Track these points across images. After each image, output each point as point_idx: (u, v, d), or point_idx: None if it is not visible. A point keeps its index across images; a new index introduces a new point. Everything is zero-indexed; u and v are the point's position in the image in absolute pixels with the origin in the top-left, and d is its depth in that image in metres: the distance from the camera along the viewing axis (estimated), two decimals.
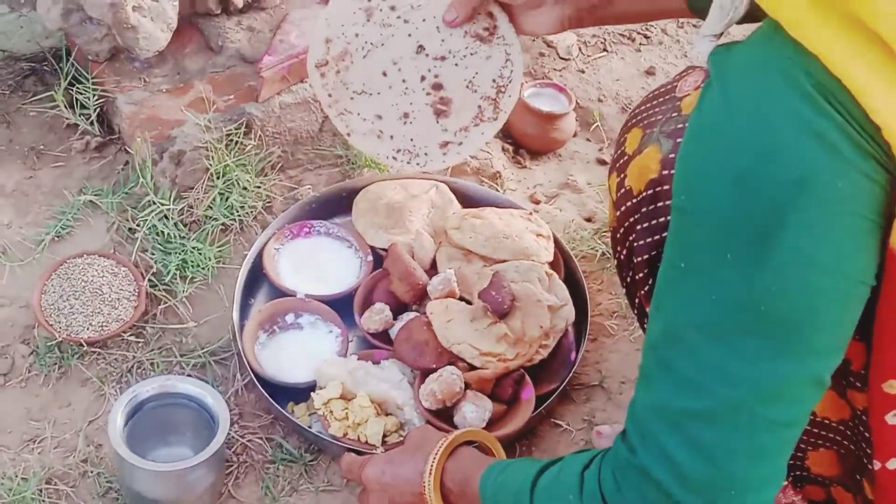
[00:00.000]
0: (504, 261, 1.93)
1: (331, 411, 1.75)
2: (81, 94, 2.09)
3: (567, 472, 1.23)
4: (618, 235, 1.46)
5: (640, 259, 1.39)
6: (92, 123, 2.12)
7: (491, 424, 1.76)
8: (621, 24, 2.40)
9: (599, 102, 2.41)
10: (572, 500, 1.19)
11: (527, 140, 2.26)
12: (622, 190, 1.44)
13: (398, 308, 1.90)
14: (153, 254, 1.98)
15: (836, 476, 1.36)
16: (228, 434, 1.66)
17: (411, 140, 1.68)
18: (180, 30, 2.07)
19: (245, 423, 1.81)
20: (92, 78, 2.09)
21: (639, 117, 1.49)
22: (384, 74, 1.66)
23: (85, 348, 1.85)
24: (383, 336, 1.88)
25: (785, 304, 1.04)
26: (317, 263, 1.99)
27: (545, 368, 1.86)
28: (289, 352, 1.87)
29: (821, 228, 1.01)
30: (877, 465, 1.22)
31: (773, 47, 1.02)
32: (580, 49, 2.49)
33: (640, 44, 2.54)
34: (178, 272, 1.96)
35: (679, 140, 1.29)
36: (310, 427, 1.77)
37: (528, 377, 1.82)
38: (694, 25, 2.60)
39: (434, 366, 1.78)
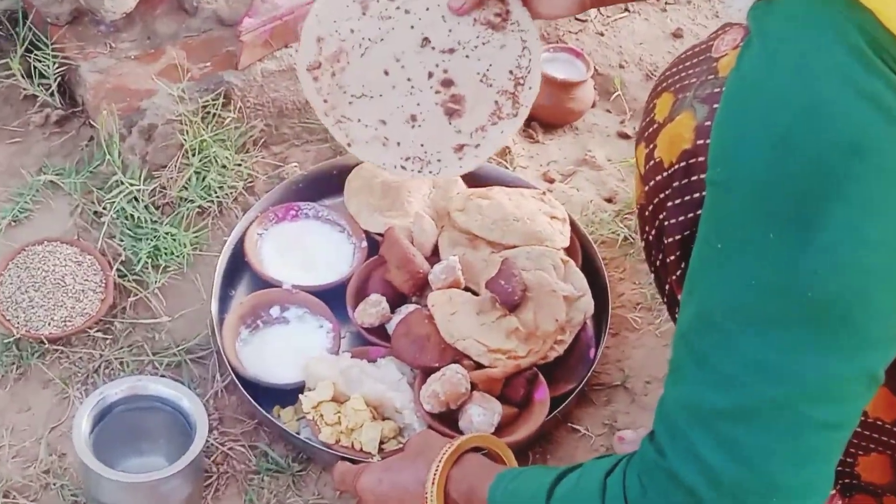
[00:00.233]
0: (514, 246, 1.93)
1: (321, 415, 1.75)
2: (40, 61, 2.09)
3: (588, 478, 1.23)
4: (646, 213, 1.46)
5: (671, 240, 1.39)
6: (52, 94, 2.12)
7: (500, 429, 1.76)
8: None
9: (621, 69, 2.41)
10: None
11: (540, 112, 2.25)
12: (651, 162, 1.44)
13: (396, 300, 1.90)
14: (122, 240, 1.98)
15: (888, 484, 1.36)
16: (207, 441, 1.66)
17: (421, 145, 1.67)
18: None
19: (225, 429, 1.81)
20: (52, 44, 2.09)
21: (670, 81, 1.49)
22: (386, 73, 1.65)
23: (46, 346, 1.85)
24: (379, 331, 1.88)
25: (834, 287, 1.03)
26: (305, 250, 1.99)
27: (561, 367, 1.85)
28: (274, 349, 1.87)
29: (876, 202, 1.01)
30: None
31: (821, 0, 1.01)
32: (599, 9, 2.48)
33: (667, 2, 2.54)
34: (149, 260, 1.96)
35: (716, 106, 1.29)
36: (298, 433, 1.77)
37: (541, 376, 1.82)
38: None
39: (436, 364, 1.78)
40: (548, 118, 2.28)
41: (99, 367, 1.85)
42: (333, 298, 1.91)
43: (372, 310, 1.87)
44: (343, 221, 2.01)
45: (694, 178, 1.36)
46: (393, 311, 1.89)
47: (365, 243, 1.98)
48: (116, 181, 2.01)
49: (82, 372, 1.84)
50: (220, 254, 1.94)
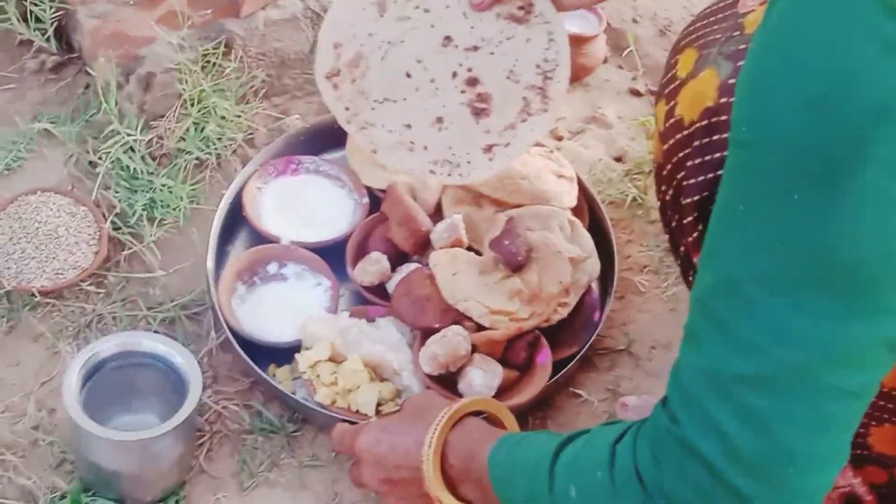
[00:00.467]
0: (520, 205, 1.92)
1: (318, 375, 1.74)
2: (36, 5, 2.07)
3: (595, 444, 1.22)
4: (664, 172, 1.45)
5: (689, 200, 1.39)
6: (48, 40, 2.10)
7: (501, 393, 1.75)
8: None
9: (634, 23, 2.39)
10: (601, 477, 1.18)
11: None
12: (672, 119, 1.43)
13: (397, 258, 1.89)
14: (117, 192, 1.97)
15: None
16: (200, 400, 1.65)
17: (449, 148, 1.64)
18: None
19: (220, 388, 1.81)
20: None
21: (693, 36, 1.48)
22: (408, 76, 1.63)
23: (37, 299, 1.85)
24: (379, 290, 1.87)
25: (859, 251, 1.02)
26: (304, 205, 1.98)
27: (564, 330, 1.84)
28: (271, 306, 1.86)
29: None
30: None
31: None
32: None
33: None
34: (145, 213, 1.95)
35: (741, 63, 1.28)
36: (293, 393, 1.76)
37: (544, 339, 1.81)
38: None
39: (437, 325, 1.77)
40: None
41: (91, 321, 1.84)
42: (333, 255, 1.90)
43: (372, 268, 1.86)
44: (344, 176, 2.00)
45: (716, 137, 1.36)
46: (393, 269, 1.87)
47: (366, 199, 1.97)
48: (113, 131, 1.99)
49: (74, 326, 1.84)
50: (217, 208, 1.93)
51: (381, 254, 1.87)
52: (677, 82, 1.45)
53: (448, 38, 1.62)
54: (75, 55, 2.12)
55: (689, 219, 1.41)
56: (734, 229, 1.09)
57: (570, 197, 1.96)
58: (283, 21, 2.10)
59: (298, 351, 1.78)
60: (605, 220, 1.97)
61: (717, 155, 1.35)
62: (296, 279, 1.89)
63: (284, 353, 1.80)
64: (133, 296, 1.88)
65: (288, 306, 1.85)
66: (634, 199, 2.07)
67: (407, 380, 1.77)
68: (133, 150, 1.99)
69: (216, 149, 2.03)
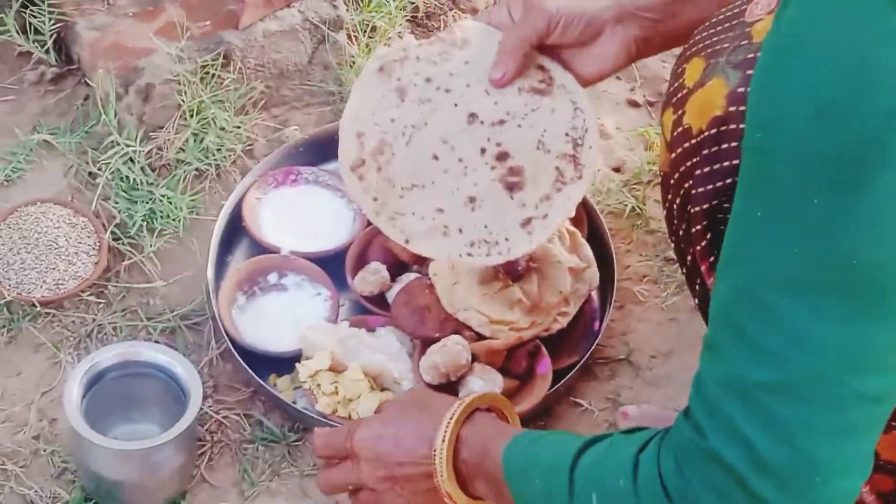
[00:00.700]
0: None
1: (318, 385, 1.74)
2: (35, 17, 2.07)
3: (618, 452, 1.21)
4: (671, 181, 1.44)
5: (697, 209, 1.38)
6: (48, 51, 2.10)
7: None
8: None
9: None
10: (623, 485, 1.18)
11: None
12: (679, 128, 1.42)
13: (396, 268, 1.89)
14: (117, 202, 1.97)
15: None
16: (201, 409, 1.66)
17: (485, 227, 1.58)
18: None
19: (220, 397, 1.81)
20: None
21: (701, 45, 1.47)
22: (435, 158, 1.59)
23: (38, 309, 1.85)
24: (379, 300, 1.87)
25: (879, 256, 1.02)
26: (304, 215, 1.98)
27: (564, 339, 1.85)
28: (271, 316, 1.86)
29: None
30: None
31: None
32: None
33: None
34: (144, 224, 1.95)
35: (749, 72, 1.28)
36: (294, 403, 1.77)
37: (544, 349, 1.81)
38: None
39: (437, 335, 1.77)
40: None
41: (91, 331, 1.85)
42: (332, 266, 1.90)
43: (371, 278, 1.86)
44: (343, 187, 2.00)
45: (724, 145, 1.35)
46: (393, 279, 1.88)
47: None
48: (112, 142, 1.99)
49: (74, 336, 1.84)
50: (217, 218, 1.93)
51: (380, 264, 1.87)
52: (685, 91, 1.44)
53: (473, 115, 1.59)
54: (75, 67, 2.12)
55: (698, 227, 1.40)
56: (752, 236, 1.09)
57: None
58: (282, 32, 2.10)
59: (299, 361, 1.78)
60: (605, 230, 1.97)
61: (726, 163, 1.34)
62: (296, 289, 1.90)
63: (285, 363, 1.80)
64: (133, 306, 1.88)
65: (288, 316, 1.85)
66: (633, 210, 2.07)
67: (407, 389, 1.77)
68: (133, 161, 1.99)
69: (215, 159, 2.03)
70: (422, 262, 1.89)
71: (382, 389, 1.77)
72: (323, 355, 1.76)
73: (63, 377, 1.78)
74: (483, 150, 1.59)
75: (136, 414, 1.72)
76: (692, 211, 1.40)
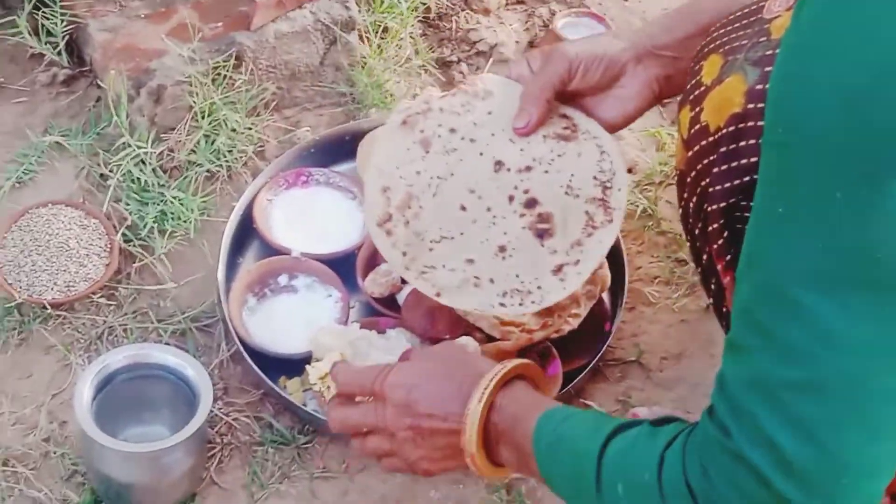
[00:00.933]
0: None
1: (328, 387, 1.73)
2: (48, 19, 2.08)
3: (645, 445, 1.20)
4: (687, 179, 1.43)
5: (714, 207, 1.37)
6: (60, 53, 2.11)
7: None
8: None
9: None
10: (648, 479, 1.17)
11: None
12: (697, 126, 1.41)
13: None
14: (128, 204, 1.97)
15: None
16: (211, 411, 1.66)
17: (517, 276, 1.56)
18: None
19: (230, 399, 1.81)
20: (60, 1, 2.07)
21: (718, 42, 1.46)
22: (463, 209, 1.58)
23: (49, 311, 1.85)
24: (389, 301, 1.88)
25: None
26: (315, 217, 1.98)
27: (575, 341, 1.84)
28: (281, 318, 1.87)
29: None
30: None
31: None
32: None
33: None
34: (155, 225, 1.95)
35: (768, 69, 1.27)
36: (304, 405, 1.77)
37: (554, 351, 1.81)
38: None
39: (447, 336, 1.77)
40: None
41: (102, 333, 1.85)
42: (343, 267, 1.90)
43: (382, 279, 1.86)
44: (355, 188, 2.00)
45: (742, 143, 1.34)
46: (403, 281, 1.88)
47: None
48: (123, 143, 2.00)
49: (85, 338, 1.85)
50: (227, 220, 1.94)
51: None
52: (702, 88, 1.43)
53: (499, 163, 1.58)
54: (86, 68, 2.12)
55: (715, 226, 1.40)
56: (775, 233, 1.08)
57: None
58: (294, 34, 2.10)
59: (309, 362, 1.76)
60: None
61: (744, 161, 1.34)
62: (306, 291, 1.90)
63: (295, 365, 1.80)
64: (144, 308, 1.88)
65: (298, 318, 1.86)
66: (645, 210, 2.07)
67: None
68: (144, 163, 1.99)
69: (227, 161, 2.04)
70: None
71: None
72: (333, 357, 1.75)
73: (73, 379, 1.79)
74: (511, 198, 1.58)
75: (147, 416, 1.72)
76: (709, 209, 1.39)
